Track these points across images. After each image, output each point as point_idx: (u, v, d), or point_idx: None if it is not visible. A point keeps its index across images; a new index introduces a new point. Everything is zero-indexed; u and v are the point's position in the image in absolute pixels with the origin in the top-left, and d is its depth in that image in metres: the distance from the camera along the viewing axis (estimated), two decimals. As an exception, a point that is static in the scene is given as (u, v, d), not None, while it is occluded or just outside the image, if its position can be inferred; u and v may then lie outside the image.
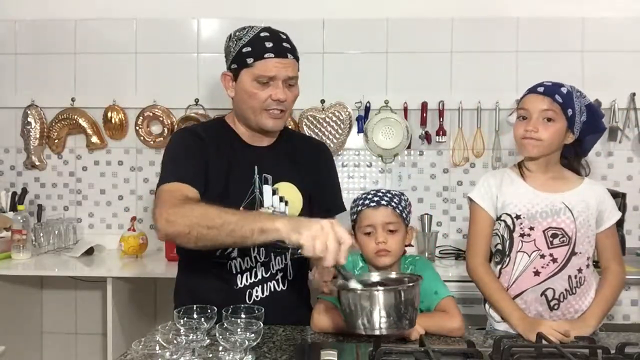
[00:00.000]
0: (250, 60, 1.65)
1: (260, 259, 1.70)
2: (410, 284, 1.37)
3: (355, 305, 1.34)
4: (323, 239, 1.28)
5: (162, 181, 1.60)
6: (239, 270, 1.69)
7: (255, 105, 1.68)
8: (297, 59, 1.72)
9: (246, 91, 1.68)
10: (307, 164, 1.82)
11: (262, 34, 1.68)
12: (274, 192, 1.72)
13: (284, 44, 1.68)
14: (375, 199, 1.69)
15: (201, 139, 1.70)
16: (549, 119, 1.65)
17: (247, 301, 1.67)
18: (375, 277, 1.50)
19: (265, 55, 1.64)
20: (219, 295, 1.66)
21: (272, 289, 1.71)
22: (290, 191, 1.75)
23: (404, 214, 1.70)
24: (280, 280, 1.73)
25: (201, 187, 1.60)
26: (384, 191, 1.72)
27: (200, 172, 1.63)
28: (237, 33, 1.71)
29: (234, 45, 1.70)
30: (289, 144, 1.83)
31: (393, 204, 1.68)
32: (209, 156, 1.68)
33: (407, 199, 1.75)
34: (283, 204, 1.73)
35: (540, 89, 1.67)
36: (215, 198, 1.57)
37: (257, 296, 1.69)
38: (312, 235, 1.28)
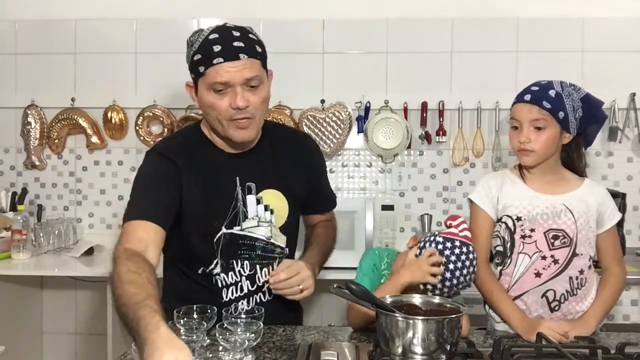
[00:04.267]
0: (202, 69, 1.50)
1: (245, 272, 1.64)
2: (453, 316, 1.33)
3: (393, 330, 1.32)
4: None
5: (125, 218, 1.54)
6: (224, 284, 1.64)
7: (219, 116, 1.53)
8: (257, 55, 1.52)
9: (205, 102, 1.53)
10: (291, 163, 1.70)
11: (211, 37, 1.50)
12: (259, 202, 1.63)
13: (235, 44, 1.48)
14: (527, 95, 1.65)
15: (170, 162, 1.57)
16: (540, 128, 1.64)
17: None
18: (417, 299, 1.46)
19: (214, 61, 1.47)
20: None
21: (259, 301, 1.66)
22: (275, 199, 1.65)
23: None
24: (266, 291, 1.66)
25: (163, 219, 1.51)
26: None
27: (166, 202, 1.54)
28: (191, 38, 1.55)
29: (188, 52, 1.55)
30: (271, 143, 1.70)
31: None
32: (181, 179, 1.57)
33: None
34: (268, 212, 1.65)
35: (527, 97, 1.65)
36: (197, 218, 1.56)
37: (242, 309, 1.62)
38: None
